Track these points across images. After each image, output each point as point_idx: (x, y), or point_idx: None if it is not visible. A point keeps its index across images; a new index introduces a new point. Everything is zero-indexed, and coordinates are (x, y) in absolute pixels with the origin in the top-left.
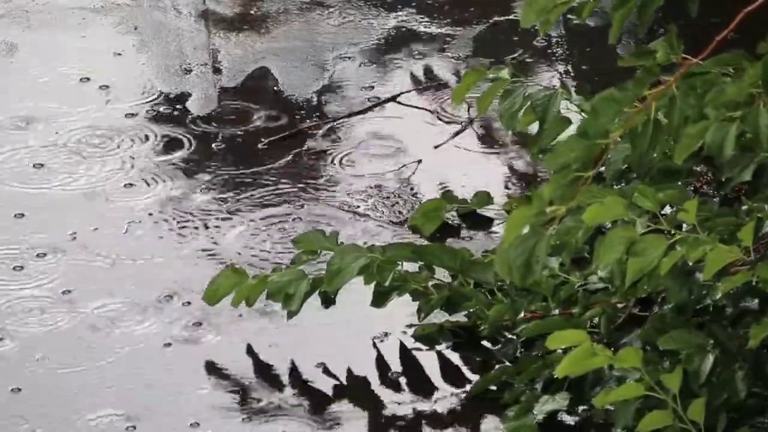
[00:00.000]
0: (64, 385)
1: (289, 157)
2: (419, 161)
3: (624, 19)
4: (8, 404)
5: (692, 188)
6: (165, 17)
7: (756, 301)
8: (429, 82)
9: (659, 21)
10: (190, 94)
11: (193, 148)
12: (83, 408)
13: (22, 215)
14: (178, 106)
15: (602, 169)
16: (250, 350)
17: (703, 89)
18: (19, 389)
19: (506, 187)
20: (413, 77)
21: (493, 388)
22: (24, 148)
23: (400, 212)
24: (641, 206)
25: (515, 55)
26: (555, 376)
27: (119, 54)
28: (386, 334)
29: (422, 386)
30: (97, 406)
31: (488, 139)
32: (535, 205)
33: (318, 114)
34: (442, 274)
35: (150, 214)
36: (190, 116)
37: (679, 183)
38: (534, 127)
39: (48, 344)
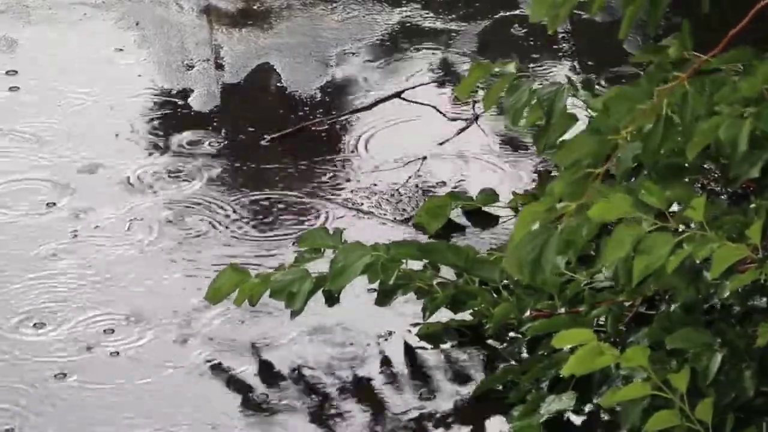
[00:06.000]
0: None
1: (292, 154)
2: (424, 158)
3: (634, 15)
4: None
5: (700, 185)
6: (167, 13)
7: (764, 299)
8: (433, 78)
9: (668, 17)
10: (192, 90)
11: (194, 145)
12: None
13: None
14: (180, 103)
15: (613, 167)
16: (253, 348)
17: (713, 88)
18: None
19: (512, 184)
20: (417, 73)
21: (499, 387)
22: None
23: (404, 210)
24: (648, 203)
25: (521, 50)
26: (561, 376)
27: (121, 50)
28: (390, 333)
29: (427, 385)
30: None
31: (494, 136)
32: (546, 202)
33: (321, 110)
34: (447, 273)
35: (152, 213)
36: (192, 112)
37: (686, 180)
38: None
39: None
